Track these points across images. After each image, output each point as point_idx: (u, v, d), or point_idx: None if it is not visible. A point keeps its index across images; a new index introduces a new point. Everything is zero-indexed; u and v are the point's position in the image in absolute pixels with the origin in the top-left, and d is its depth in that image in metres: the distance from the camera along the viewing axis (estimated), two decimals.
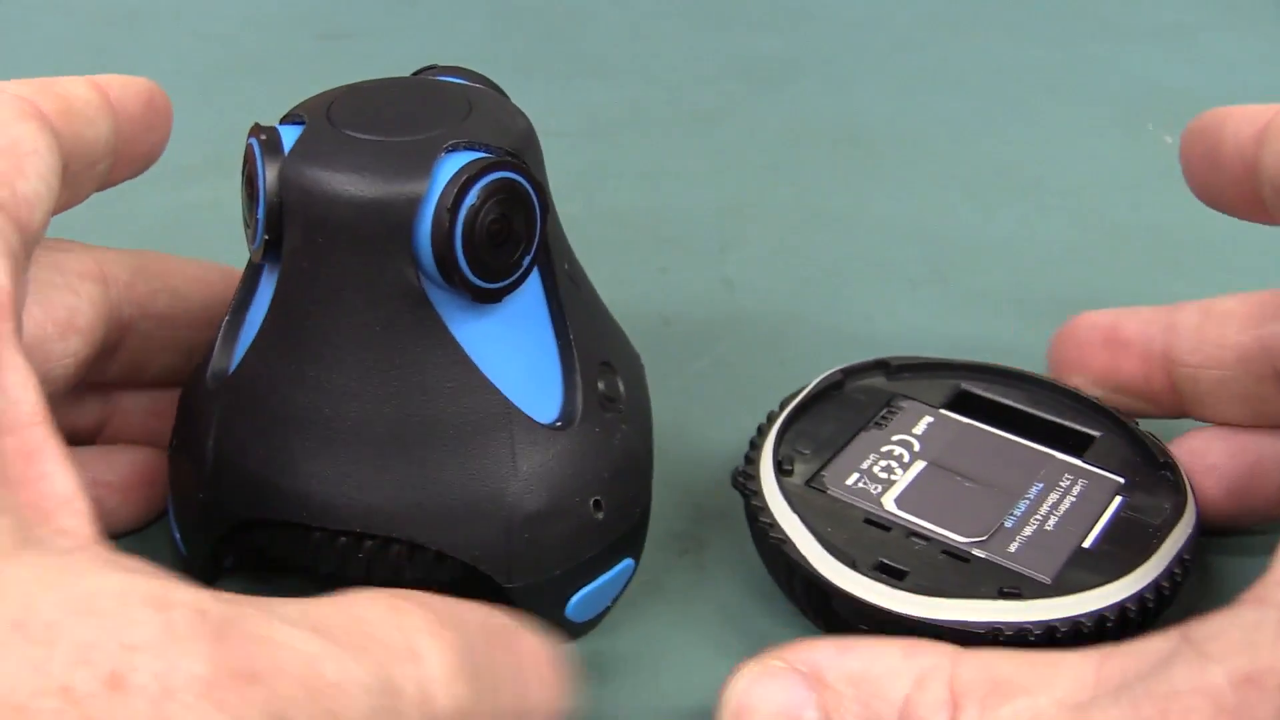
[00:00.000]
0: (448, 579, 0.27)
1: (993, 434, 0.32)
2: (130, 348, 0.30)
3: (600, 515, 0.28)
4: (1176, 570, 0.27)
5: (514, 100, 0.30)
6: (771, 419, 0.31)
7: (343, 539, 0.27)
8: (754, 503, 0.29)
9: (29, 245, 0.24)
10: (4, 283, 0.22)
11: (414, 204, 0.25)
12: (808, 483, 0.30)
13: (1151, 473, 0.30)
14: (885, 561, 0.28)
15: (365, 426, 0.26)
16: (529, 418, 0.27)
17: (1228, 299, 0.31)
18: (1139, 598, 0.27)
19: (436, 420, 0.26)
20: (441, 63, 0.31)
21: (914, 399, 0.33)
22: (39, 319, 0.27)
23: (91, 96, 0.27)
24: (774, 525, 0.28)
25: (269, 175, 0.26)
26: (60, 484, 0.21)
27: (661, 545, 0.32)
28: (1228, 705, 0.20)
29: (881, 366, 0.34)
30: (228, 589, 0.30)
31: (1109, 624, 0.26)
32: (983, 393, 0.33)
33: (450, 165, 0.25)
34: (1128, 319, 0.32)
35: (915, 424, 0.32)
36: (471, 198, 0.25)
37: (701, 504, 0.33)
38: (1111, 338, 0.32)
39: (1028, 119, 0.55)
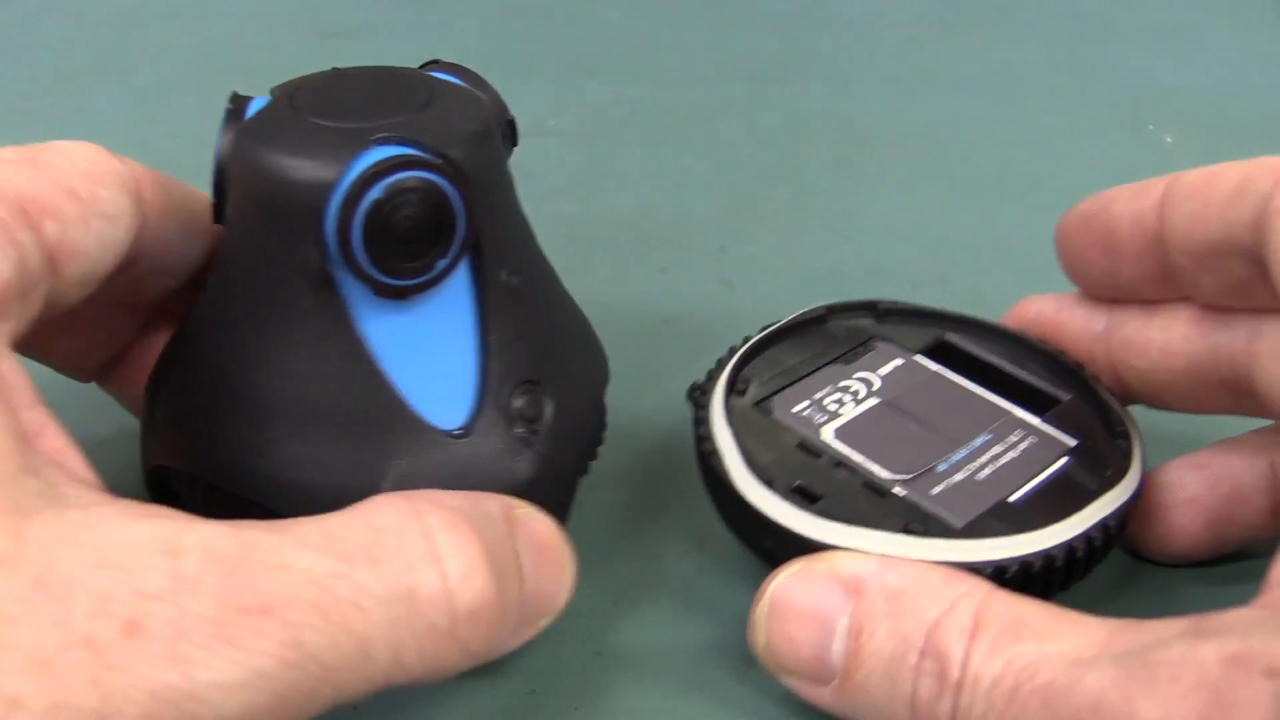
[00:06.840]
0: None
1: (957, 384, 0.31)
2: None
3: None
4: (1095, 535, 0.27)
5: (514, 99, 0.30)
6: (745, 341, 0.32)
7: (238, 501, 0.27)
8: (698, 414, 0.30)
9: (52, 278, 0.24)
10: (5, 271, 0.22)
11: (325, 190, 0.25)
12: (756, 404, 0.30)
13: (1106, 440, 0.30)
14: (803, 485, 0.28)
15: (262, 398, 0.27)
16: (422, 420, 0.27)
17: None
18: (1045, 555, 0.26)
19: (325, 405, 0.26)
20: (444, 60, 0.31)
21: (891, 341, 0.33)
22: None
23: (204, 213, 0.28)
24: (708, 438, 0.29)
25: (222, 142, 0.27)
26: (70, 454, 0.22)
27: (660, 544, 0.32)
28: (1211, 679, 0.20)
29: (869, 308, 0.34)
30: None
31: (1007, 575, 0.26)
32: (962, 344, 0.33)
33: (370, 157, 0.25)
34: (1070, 313, 0.32)
35: (883, 365, 0.32)
36: (376, 192, 0.25)
37: (700, 503, 0.33)
38: (1056, 330, 0.32)
39: (1028, 119, 0.55)
